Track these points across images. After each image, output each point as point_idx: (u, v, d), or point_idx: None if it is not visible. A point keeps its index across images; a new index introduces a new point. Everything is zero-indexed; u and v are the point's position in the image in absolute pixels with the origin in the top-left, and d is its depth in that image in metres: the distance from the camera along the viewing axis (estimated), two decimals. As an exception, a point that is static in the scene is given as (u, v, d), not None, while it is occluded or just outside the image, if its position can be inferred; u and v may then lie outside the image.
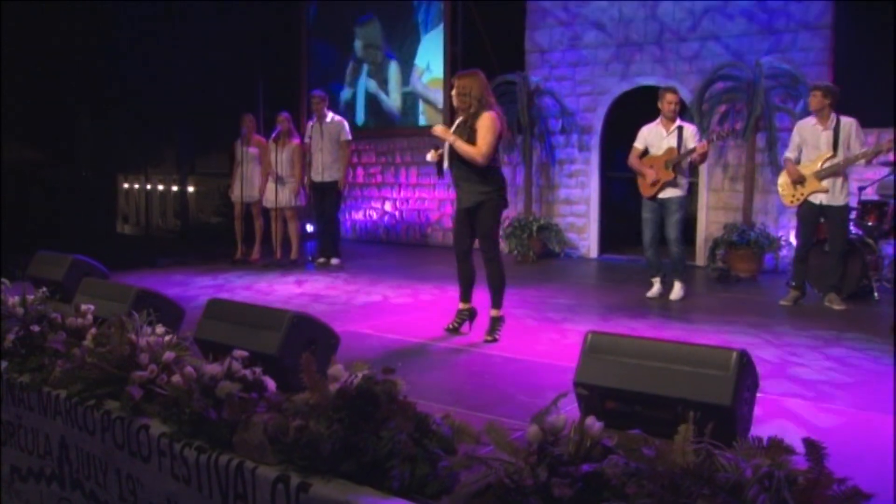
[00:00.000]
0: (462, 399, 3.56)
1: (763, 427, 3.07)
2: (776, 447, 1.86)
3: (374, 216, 11.38)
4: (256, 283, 7.25)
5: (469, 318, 5.12)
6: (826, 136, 6.07)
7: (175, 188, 10.89)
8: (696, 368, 2.69)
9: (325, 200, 8.48)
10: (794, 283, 6.31)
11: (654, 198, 6.46)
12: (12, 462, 3.55)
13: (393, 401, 2.36)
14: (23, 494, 3.49)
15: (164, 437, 2.69)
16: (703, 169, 8.31)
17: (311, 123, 8.48)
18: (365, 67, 11.53)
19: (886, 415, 3.43)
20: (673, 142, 6.38)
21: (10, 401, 3.46)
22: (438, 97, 10.72)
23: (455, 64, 10.28)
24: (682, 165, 6.37)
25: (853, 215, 6.52)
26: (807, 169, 6.14)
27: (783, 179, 6.34)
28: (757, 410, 2.91)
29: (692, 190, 7.19)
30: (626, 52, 9.03)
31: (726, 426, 2.63)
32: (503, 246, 9.48)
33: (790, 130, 7.84)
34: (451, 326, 5.08)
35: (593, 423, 2.06)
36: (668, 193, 6.40)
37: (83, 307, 3.59)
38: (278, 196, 8.34)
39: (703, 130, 8.05)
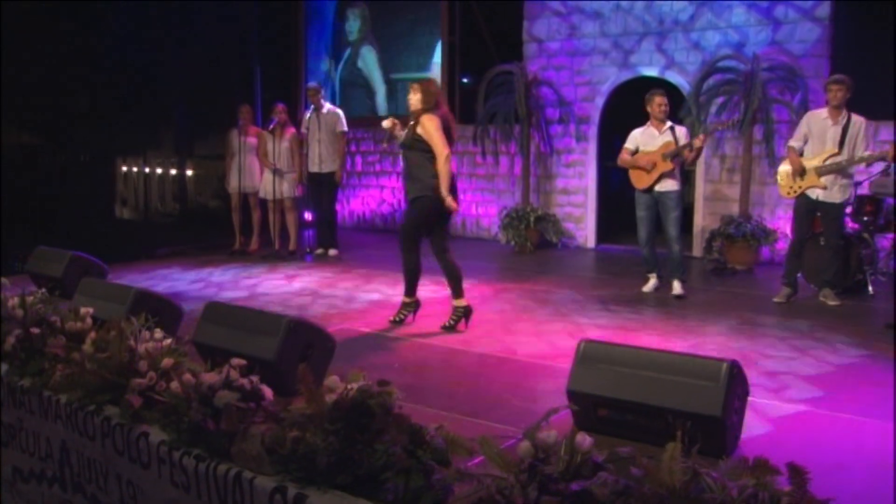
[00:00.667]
0: (456, 404, 3.61)
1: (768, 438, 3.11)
2: (761, 467, 1.90)
3: (373, 204, 11.40)
4: (255, 276, 7.29)
5: (413, 311, 5.42)
6: (834, 132, 5.96)
7: (174, 171, 10.88)
8: (688, 379, 2.75)
9: (322, 191, 8.50)
10: (785, 281, 6.31)
11: (650, 190, 6.42)
12: (14, 463, 3.60)
13: (388, 413, 2.41)
14: (25, 495, 3.54)
15: (164, 444, 2.73)
16: (699, 160, 8.30)
17: (307, 114, 8.48)
18: (362, 52, 11.47)
19: (867, 418, 3.48)
20: (668, 138, 6.37)
21: (10, 404, 3.50)
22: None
23: (453, 54, 10.25)
24: (680, 157, 6.34)
25: (848, 210, 6.51)
26: (809, 162, 6.05)
27: (784, 168, 6.27)
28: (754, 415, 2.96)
29: (688, 181, 7.16)
30: (624, 42, 9.00)
31: (716, 436, 2.69)
32: (500, 236, 9.52)
33: (787, 123, 7.87)
34: (395, 319, 5.36)
35: (584, 440, 2.09)
36: (666, 186, 6.37)
37: (82, 310, 3.62)
38: (277, 187, 8.35)
39: (700, 122, 8.06)
